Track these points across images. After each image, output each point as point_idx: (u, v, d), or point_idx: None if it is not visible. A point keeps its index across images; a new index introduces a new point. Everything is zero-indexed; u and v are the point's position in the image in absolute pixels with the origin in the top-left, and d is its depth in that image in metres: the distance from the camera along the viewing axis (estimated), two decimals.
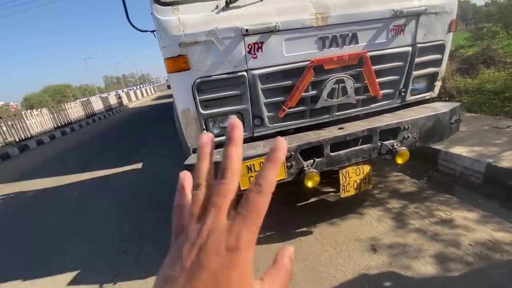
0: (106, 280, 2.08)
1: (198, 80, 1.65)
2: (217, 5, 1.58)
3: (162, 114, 12.57)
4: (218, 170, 0.24)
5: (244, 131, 1.89)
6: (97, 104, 16.18)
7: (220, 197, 0.23)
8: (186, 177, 0.28)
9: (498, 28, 5.48)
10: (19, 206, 4.12)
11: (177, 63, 1.61)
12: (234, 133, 0.25)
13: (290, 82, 1.79)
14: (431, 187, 2.58)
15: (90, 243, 2.68)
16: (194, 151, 1.91)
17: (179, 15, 1.55)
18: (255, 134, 1.93)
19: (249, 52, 1.66)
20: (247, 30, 1.58)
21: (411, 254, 1.81)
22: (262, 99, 1.79)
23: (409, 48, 1.98)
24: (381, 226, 2.14)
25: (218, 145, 1.93)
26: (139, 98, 25.73)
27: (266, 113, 1.85)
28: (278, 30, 1.64)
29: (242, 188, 1.69)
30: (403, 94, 2.16)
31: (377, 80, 1.96)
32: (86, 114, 14.27)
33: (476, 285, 1.53)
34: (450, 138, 2.72)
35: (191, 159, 1.73)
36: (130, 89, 30.35)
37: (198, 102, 1.70)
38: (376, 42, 1.88)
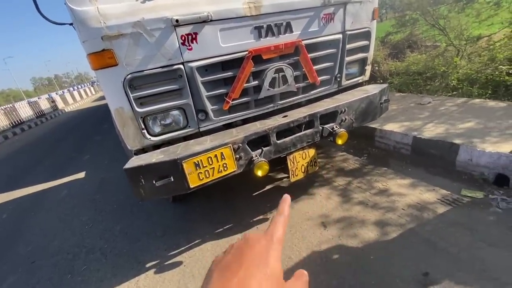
0: None
1: (129, 76, 1.53)
2: None
3: (105, 115, 11.52)
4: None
5: (189, 126, 1.83)
6: (24, 111, 14.08)
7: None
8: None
9: (417, 15, 6.17)
10: None
11: (102, 59, 1.46)
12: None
13: (230, 73, 1.77)
14: (370, 162, 2.84)
15: (28, 268, 2.36)
16: (137, 152, 1.79)
17: (97, 5, 1.39)
18: (201, 129, 1.88)
19: (183, 43, 1.58)
20: (177, 21, 1.50)
21: (356, 225, 1.99)
22: (204, 93, 1.74)
23: (340, 36, 2.11)
24: (330, 204, 2.30)
25: (161, 144, 1.84)
26: (77, 100, 23.17)
27: (210, 107, 1.80)
28: (211, 20, 1.59)
29: (192, 186, 1.65)
30: (338, 79, 2.31)
31: (314, 67, 2.05)
32: (12, 123, 12.35)
33: (411, 243, 1.75)
34: (383, 116, 3.03)
35: (131, 163, 1.61)
36: (66, 91, 27.00)
37: (132, 100, 1.58)
38: (309, 30, 1.96)
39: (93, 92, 30.97)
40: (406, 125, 3.00)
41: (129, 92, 1.55)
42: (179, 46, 1.58)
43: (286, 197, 0.40)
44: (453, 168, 2.40)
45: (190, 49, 1.61)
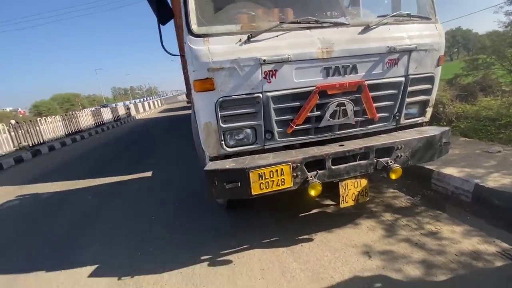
0: (124, 274, 2.28)
1: (221, 99, 1.95)
2: (240, 39, 1.91)
3: (170, 126, 12.99)
4: None
5: (256, 143, 2.17)
6: (106, 114, 16.70)
7: None
8: None
9: (492, 59, 5.84)
10: (35, 206, 4.35)
11: (204, 84, 1.92)
12: None
13: (298, 103, 2.08)
14: (423, 204, 2.79)
15: (107, 241, 2.89)
16: (212, 159, 2.18)
17: (209, 46, 1.87)
18: (266, 147, 2.20)
19: (265, 77, 1.96)
20: (264, 60, 1.90)
21: (402, 260, 2.01)
22: (274, 117, 2.08)
23: (402, 79, 2.28)
24: (375, 235, 2.35)
25: (232, 155, 2.20)
26: (146, 110, 26.39)
27: (276, 129, 2.13)
28: (290, 61, 1.95)
29: (253, 193, 1.95)
30: (397, 117, 2.44)
31: (374, 104, 2.24)
32: (96, 123, 14.74)
33: None
34: (443, 159, 2.98)
35: (210, 166, 1.99)
36: (138, 101, 31.21)
37: (219, 117, 1.99)
38: (373, 72, 2.18)
39: (160, 105, 34.90)
40: (468, 171, 2.89)
41: (219, 111, 1.97)
42: (262, 79, 1.96)
43: None
44: None
45: (269, 82, 1.98)
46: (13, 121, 9.77)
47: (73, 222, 3.51)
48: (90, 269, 2.44)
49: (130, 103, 29.08)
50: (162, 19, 2.13)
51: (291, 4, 2.27)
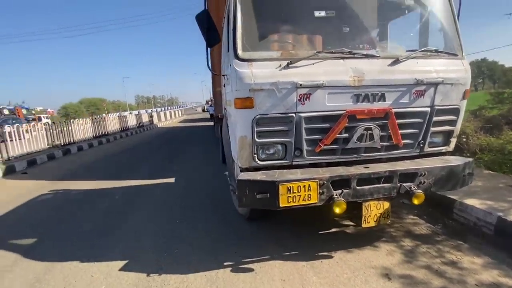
0: (152, 271, 2.45)
1: (258, 116, 2.16)
2: (280, 64, 2.14)
3: (190, 136, 13.45)
4: None
5: (286, 159, 2.34)
6: (131, 120, 17.53)
7: None
8: None
9: None
10: (67, 201, 4.67)
11: (245, 103, 2.14)
12: None
13: (328, 125, 2.25)
14: (444, 233, 2.80)
15: (134, 239, 3.08)
16: (244, 170, 2.36)
17: (252, 69, 2.11)
18: (294, 163, 2.36)
19: (299, 100, 2.16)
20: (301, 85, 2.10)
21: (421, 285, 2.05)
22: (304, 136, 2.25)
23: (428, 109, 2.41)
24: (395, 259, 2.39)
25: (261, 168, 2.37)
26: (167, 119, 27.36)
27: (305, 147, 2.29)
28: (324, 86, 2.15)
29: (281, 205, 2.10)
30: (421, 145, 2.54)
31: (400, 131, 2.37)
32: (121, 128, 15.49)
33: None
34: (465, 190, 3.00)
35: (243, 176, 2.17)
36: (161, 110, 32.53)
37: (255, 133, 2.19)
38: (400, 101, 2.33)
39: (180, 115, 36.08)
40: (491, 204, 2.89)
41: (255, 127, 2.17)
42: (296, 101, 2.16)
43: None
44: None
45: (303, 104, 2.18)
46: (49, 121, 10.54)
47: (102, 219, 3.75)
48: (120, 263, 2.62)
49: (152, 111, 30.33)
50: (210, 42, 2.41)
51: (327, 35, 2.50)
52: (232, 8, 2.24)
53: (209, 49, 2.44)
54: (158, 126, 21.22)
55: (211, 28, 2.36)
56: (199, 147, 9.55)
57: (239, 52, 2.19)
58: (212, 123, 18.03)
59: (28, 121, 20.06)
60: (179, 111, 38.20)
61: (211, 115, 23.05)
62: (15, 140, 7.96)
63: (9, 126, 8.49)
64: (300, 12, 2.51)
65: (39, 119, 23.25)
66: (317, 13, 2.40)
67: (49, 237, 3.33)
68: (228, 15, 2.68)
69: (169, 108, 50.91)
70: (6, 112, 20.91)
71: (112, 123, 14.56)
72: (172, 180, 5.46)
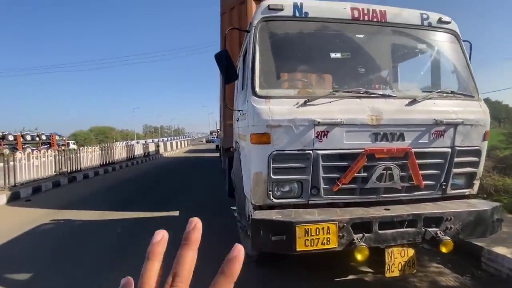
0: None
1: (275, 152, 2.11)
2: (297, 102, 2.15)
3: (195, 166, 13.40)
4: (170, 273, 0.26)
5: (302, 197, 2.23)
6: (138, 149, 17.69)
7: None
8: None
9: None
10: (67, 234, 4.48)
11: (261, 138, 2.11)
12: (193, 234, 0.26)
13: (346, 163, 2.18)
14: (474, 285, 2.54)
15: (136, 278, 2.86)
16: (257, 207, 2.24)
17: (270, 106, 2.12)
18: (310, 202, 2.24)
19: (317, 137, 2.12)
20: (319, 122, 2.08)
21: None
22: (321, 174, 2.17)
23: (449, 149, 2.33)
24: None
25: (276, 206, 2.25)
26: (173, 149, 27.58)
27: (322, 185, 2.19)
28: (342, 124, 2.12)
29: (298, 249, 1.94)
30: (443, 187, 2.42)
31: (420, 172, 2.27)
32: (128, 157, 15.58)
33: None
34: (492, 237, 2.78)
35: (258, 215, 2.06)
36: (167, 140, 33.04)
37: (271, 169, 2.12)
38: (419, 141, 2.27)
39: (186, 145, 36.46)
40: None
41: (271, 163, 2.11)
42: (314, 138, 2.12)
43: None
44: None
45: (321, 141, 2.13)
46: (75, 146, 10.60)
47: (103, 253, 3.55)
48: None
49: (159, 141, 30.78)
50: (228, 80, 2.47)
51: (342, 75, 2.55)
52: (251, 48, 2.32)
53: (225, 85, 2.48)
54: (164, 156, 21.32)
55: (229, 66, 2.43)
56: (203, 178, 9.44)
57: (257, 89, 2.22)
58: (217, 154, 18.19)
59: (59, 146, 22.38)
60: (185, 141, 38.69)
61: (217, 146, 23.29)
62: (25, 166, 8.00)
63: (20, 153, 8.60)
64: (316, 52, 2.59)
65: (68, 144, 25.60)
66: (332, 55, 2.47)
67: (46, 273, 3.12)
68: (244, 54, 2.79)
69: (175, 138, 51.84)
70: (11, 138, 22.21)
71: (119, 151, 14.69)
72: (176, 213, 5.28)
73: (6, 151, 15.61)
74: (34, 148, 16.45)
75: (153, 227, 2.97)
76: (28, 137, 23.76)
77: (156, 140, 37.73)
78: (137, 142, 25.62)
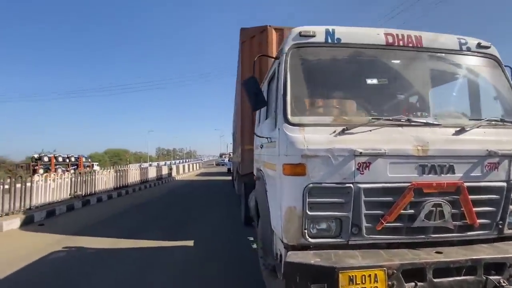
0: None
1: (311, 185, 1.91)
2: (335, 130, 1.99)
3: (208, 191, 13.19)
4: None
5: (341, 237, 1.99)
6: (151, 172, 17.73)
7: None
8: None
9: None
10: (78, 263, 4.29)
11: (295, 169, 1.94)
12: None
13: (391, 198, 1.95)
14: None
15: None
16: (290, 247, 2.01)
17: (304, 134, 1.97)
18: (350, 242, 2.00)
19: (358, 169, 1.93)
20: (361, 153, 1.90)
21: None
22: (363, 210, 1.94)
23: (504, 184, 2.08)
24: None
25: (314, 247, 2.00)
26: (185, 172, 27.58)
27: (364, 223, 1.96)
28: (386, 155, 1.93)
29: None
30: (500, 226, 2.13)
31: (474, 209, 2.01)
32: (141, 180, 15.58)
33: None
34: None
35: (293, 258, 1.82)
36: (179, 162, 33.23)
37: (307, 204, 1.92)
38: (471, 174, 2.04)
39: (198, 168, 36.52)
40: None
41: (307, 197, 1.91)
42: (354, 170, 1.93)
43: None
44: None
45: (362, 174, 1.94)
46: (98, 168, 10.73)
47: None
48: None
49: (171, 163, 30.98)
50: (257, 106, 2.36)
51: (380, 102, 2.40)
52: (283, 75, 2.23)
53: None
54: (176, 179, 21.24)
55: (258, 93, 2.34)
56: (216, 204, 9.19)
57: (289, 116, 2.09)
58: (228, 178, 17.93)
59: (84, 167, 23.82)
60: (197, 164, 38.80)
61: (228, 169, 23.06)
62: (41, 188, 8.04)
63: (38, 175, 8.70)
64: (350, 78, 2.48)
65: (92, 165, 26.65)
66: (369, 81, 2.35)
67: None
68: (270, 80, 2.70)
69: (187, 160, 52.23)
70: (46, 159, 23.32)
71: (133, 174, 14.73)
72: (190, 243, 5.03)
73: (41, 171, 16.28)
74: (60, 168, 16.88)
75: (166, 259, 2.75)
76: (60, 159, 24.84)
77: (168, 162, 38.04)
78: (150, 165, 25.86)
